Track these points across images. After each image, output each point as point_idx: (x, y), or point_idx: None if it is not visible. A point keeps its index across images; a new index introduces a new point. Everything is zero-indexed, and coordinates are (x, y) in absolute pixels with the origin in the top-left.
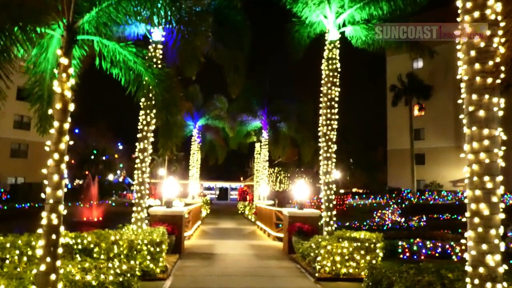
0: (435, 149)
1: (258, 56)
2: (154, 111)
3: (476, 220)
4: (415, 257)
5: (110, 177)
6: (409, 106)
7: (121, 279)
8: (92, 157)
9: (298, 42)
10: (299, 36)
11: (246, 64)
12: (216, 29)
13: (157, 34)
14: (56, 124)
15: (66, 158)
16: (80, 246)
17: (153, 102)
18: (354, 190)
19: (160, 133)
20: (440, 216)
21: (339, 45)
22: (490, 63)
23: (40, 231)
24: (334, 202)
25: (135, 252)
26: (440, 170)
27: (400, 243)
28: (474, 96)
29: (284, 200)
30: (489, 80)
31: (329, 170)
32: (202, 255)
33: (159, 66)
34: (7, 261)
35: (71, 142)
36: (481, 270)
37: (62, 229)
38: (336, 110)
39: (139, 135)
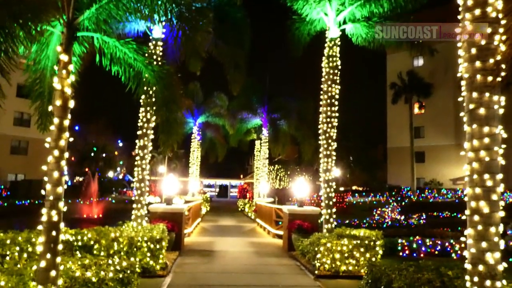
0: (435, 147)
1: (258, 54)
2: (154, 108)
3: (476, 218)
4: (414, 254)
5: (110, 174)
6: (409, 104)
7: (121, 275)
8: (92, 154)
9: (298, 40)
10: (299, 33)
11: (247, 61)
12: (216, 26)
13: (157, 31)
14: (56, 121)
15: (66, 155)
16: (80, 243)
17: (153, 99)
18: (354, 188)
19: (160, 131)
20: (440, 214)
21: (339, 43)
22: (491, 61)
23: (40, 227)
24: (334, 200)
25: (135, 249)
26: (440, 168)
27: (399, 240)
28: (475, 94)
29: (284, 197)
30: (490, 78)
31: (329, 167)
32: (202, 252)
33: (159, 63)
34: (8, 258)
35: (71, 139)
36: (481, 267)
37: (62, 225)
38: (336, 108)
39: (139, 132)
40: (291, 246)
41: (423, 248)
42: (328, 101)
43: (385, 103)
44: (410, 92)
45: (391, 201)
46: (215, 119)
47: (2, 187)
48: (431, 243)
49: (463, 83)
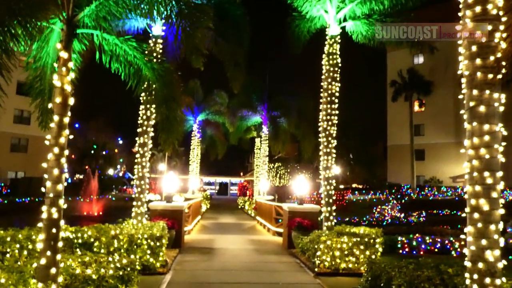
0: (435, 145)
1: (258, 52)
2: (154, 106)
3: (476, 215)
4: (414, 252)
5: (110, 171)
6: (409, 102)
7: (121, 273)
8: (92, 151)
9: (298, 37)
10: (299, 31)
11: (247, 59)
12: (216, 23)
13: (157, 28)
14: (56, 118)
15: (66, 152)
16: (80, 240)
17: (153, 97)
18: (354, 185)
19: (160, 129)
20: (440, 211)
21: (339, 40)
22: (491, 58)
23: (40, 225)
24: (334, 198)
25: (135, 247)
26: (440, 166)
27: (399, 238)
28: (475, 92)
29: (284, 195)
30: (490, 75)
31: (329, 165)
32: (202, 250)
33: (159, 60)
34: (8, 255)
35: (71, 137)
36: (480, 265)
37: (62, 223)
38: (336, 106)
39: (139, 130)
40: (291, 243)
41: (423, 246)
42: (328, 98)
43: (385, 101)
44: (410, 90)
45: (391, 199)
46: (215, 117)
47: (2, 184)
48: (431, 240)
49: (463, 80)
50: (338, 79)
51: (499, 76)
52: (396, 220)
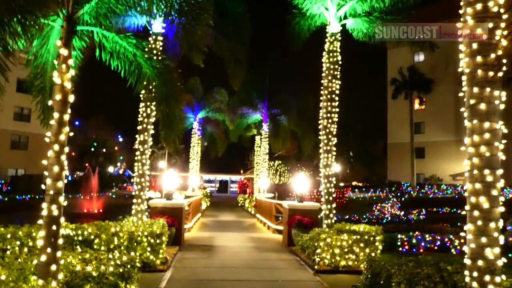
0: (435, 143)
1: (258, 49)
2: (154, 103)
3: (476, 213)
4: (414, 250)
5: (110, 169)
6: (410, 100)
7: (121, 270)
8: (92, 149)
9: (298, 35)
10: (299, 28)
11: (247, 56)
12: (216, 21)
13: (157, 25)
14: (56, 115)
15: (66, 149)
16: (80, 238)
17: (153, 94)
18: (354, 183)
19: (161, 126)
20: (440, 209)
21: (340, 38)
22: (492, 56)
23: (40, 222)
24: (334, 195)
25: (135, 244)
26: (440, 163)
27: (399, 236)
28: (476, 89)
29: (284, 193)
30: (491, 73)
31: (329, 163)
32: (202, 247)
33: (159, 58)
34: (8, 252)
35: (71, 134)
36: (480, 263)
37: (62, 220)
38: (336, 103)
39: (139, 127)
40: (291, 241)
41: (423, 244)
42: (329, 96)
43: (386, 99)
44: (411, 88)
45: (391, 196)
46: (215, 114)
47: (3, 182)
48: (430, 238)
49: (464, 78)
50: (338, 76)
51: (500, 74)
52: (396, 218)
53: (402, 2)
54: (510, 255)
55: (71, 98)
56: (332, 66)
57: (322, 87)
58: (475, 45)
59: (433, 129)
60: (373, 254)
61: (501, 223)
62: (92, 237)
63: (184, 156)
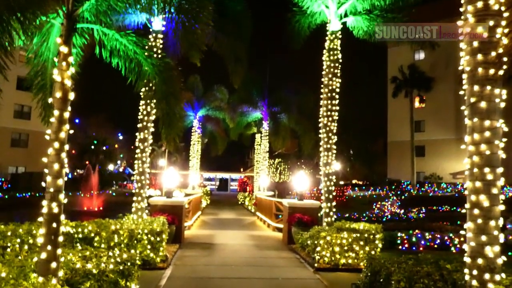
0: (435, 141)
1: (258, 47)
2: (154, 101)
3: (476, 211)
4: (414, 248)
5: (111, 167)
6: (410, 98)
7: (121, 267)
8: (93, 147)
9: (298, 33)
10: (300, 26)
11: (247, 54)
12: (216, 19)
13: (157, 23)
14: (56, 113)
15: (67, 147)
16: (80, 235)
17: (153, 92)
18: (354, 181)
19: (161, 124)
20: (439, 208)
21: (340, 36)
22: (493, 54)
23: (41, 219)
24: (334, 193)
25: (135, 242)
26: (440, 162)
27: (399, 234)
28: (476, 87)
29: (284, 191)
30: (491, 71)
31: (329, 161)
32: (202, 245)
33: (159, 55)
34: (9, 249)
35: (71, 132)
36: (480, 261)
37: (62, 217)
38: (337, 101)
39: (139, 125)
40: (291, 239)
41: (423, 242)
42: (329, 94)
43: (386, 97)
44: (411, 86)
45: (391, 195)
46: (215, 113)
47: (3, 179)
48: (430, 236)
49: (464, 76)
50: (338, 74)
51: (501, 72)
52: (396, 216)
53: (403, 1)
54: (510, 253)
55: (71, 95)
56: (332, 64)
57: (322, 85)
58: (475, 43)
59: (433, 128)
60: (373, 252)
61: (501, 222)
62: (92, 234)
63: (184, 154)
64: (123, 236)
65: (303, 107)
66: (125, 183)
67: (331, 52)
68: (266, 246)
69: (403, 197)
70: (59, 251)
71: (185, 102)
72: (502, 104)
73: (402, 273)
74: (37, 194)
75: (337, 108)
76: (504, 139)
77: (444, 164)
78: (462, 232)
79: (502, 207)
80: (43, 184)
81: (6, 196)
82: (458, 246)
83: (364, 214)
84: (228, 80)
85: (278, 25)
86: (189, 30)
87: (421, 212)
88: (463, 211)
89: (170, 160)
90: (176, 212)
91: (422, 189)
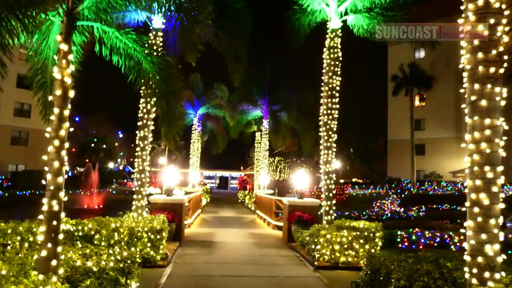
0: (435, 140)
1: (258, 46)
2: (154, 99)
3: (476, 209)
4: (413, 246)
5: (111, 165)
6: (410, 97)
7: (121, 265)
8: (93, 145)
9: (298, 31)
10: (300, 24)
11: (247, 52)
12: (216, 17)
13: (158, 21)
14: (56, 110)
15: (67, 145)
16: (81, 233)
17: (153, 90)
18: (354, 180)
19: (160, 123)
20: (439, 206)
21: (340, 34)
22: (493, 52)
23: (41, 217)
24: (334, 192)
25: (135, 239)
26: (440, 160)
27: (399, 232)
28: (476, 86)
29: (284, 189)
30: (492, 69)
31: (330, 159)
32: (202, 243)
33: (159, 54)
34: (9, 247)
35: (71, 129)
36: (480, 259)
37: (63, 215)
38: (337, 100)
39: (139, 123)
40: (291, 237)
41: (422, 240)
42: (329, 92)
43: (386, 95)
44: (411, 85)
45: (390, 193)
46: (215, 111)
47: (3, 177)
48: (430, 235)
49: (465, 74)
50: (339, 73)
51: (501, 70)
52: (396, 215)
53: None
54: (510, 252)
55: (71, 93)
56: (332, 63)
57: (322, 84)
58: (476, 41)
59: (433, 126)
60: (372, 251)
61: (501, 220)
62: (93, 232)
63: (184, 152)
64: (123, 234)
65: (303, 105)
66: (125, 181)
67: (332, 50)
68: (266, 244)
69: (403, 195)
70: (59, 249)
71: (185, 100)
72: (503, 103)
73: (402, 271)
74: (37, 192)
75: (337, 106)
76: (505, 138)
77: (444, 162)
78: (462, 230)
79: (502, 206)
80: (43, 182)
81: (6, 194)
82: (458, 244)
83: (364, 213)
84: (228, 78)
85: (278, 24)
86: (187, 29)
87: (421, 210)
88: (463, 209)
89: (170, 158)
90: (176, 210)
91: (422, 187)
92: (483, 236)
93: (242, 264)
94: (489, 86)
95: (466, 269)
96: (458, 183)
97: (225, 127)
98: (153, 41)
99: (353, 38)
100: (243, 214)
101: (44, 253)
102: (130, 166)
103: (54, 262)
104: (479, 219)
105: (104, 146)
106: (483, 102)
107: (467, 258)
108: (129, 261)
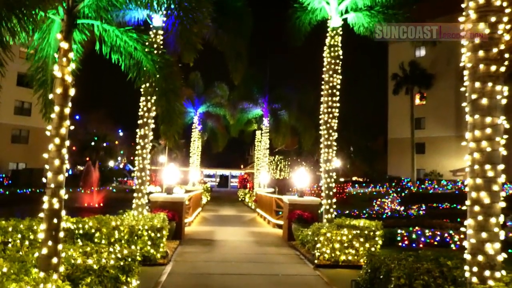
0: (435, 138)
1: (258, 44)
2: (154, 98)
3: (476, 208)
4: (413, 245)
5: (111, 163)
6: (411, 95)
7: (122, 263)
8: (93, 143)
9: (298, 29)
10: (300, 22)
11: (247, 51)
12: (217, 15)
13: (158, 19)
14: (56, 108)
15: (67, 143)
16: (81, 231)
17: (153, 89)
18: (354, 178)
19: (160, 121)
20: (439, 205)
21: (341, 32)
22: (494, 50)
23: (41, 215)
24: (334, 190)
25: (136, 238)
26: (440, 159)
27: (399, 231)
28: (477, 84)
29: (284, 188)
30: (493, 67)
31: (330, 158)
32: (202, 241)
33: (160, 52)
34: (10, 245)
35: (72, 127)
36: (480, 258)
37: (63, 213)
38: (337, 98)
39: (139, 122)
40: (291, 236)
41: (422, 239)
42: (330, 91)
43: (386, 94)
44: (412, 83)
45: (391, 192)
46: (216, 109)
47: (4, 175)
48: (430, 233)
49: (465, 73)
50: (339, 71)
51: (502, 69)
52: (396, 213)
53: None
54: (510, 250)
55: (72, 91)
56: (333, 61)
57: (323, 82)
58: (477, 39)
59: (433, 125)
60: (373, 249)
61: (501, 219)
62: (93, 230)
63: (184, 150)
64: (124, 232)
65: (303, 104)
66: (125, 179)
67: (332, 49)
68: (266, 242)
69: (403, 194)
70: (60, 246)
71: (186, 98)
72: (504, 101)
73: (402, 270)
74: (38, 190)
75: (338, 105)
76: (505, 136)
77: (444, 161)
78: (462, 229)
79: (502, 204)
80: (43, 180)
81: (7, 192)
82: (458, 243)
83: (364, 211)
84: (229, 77)
85: (278, 24)
86: (186, 29)
87: (421, 209)
88: (463, 208)
89: (170, 157)
90: (177, 208)
91: (422, 186)
92: (484, 235)
93: (242, 262)
94: (490, 84)
95: (466, 267)
96: (458, 182)
97: (225, 126)
98: (154, 40)
99: (353, 36)
100: (243, 213)
101: (44, 251)
102: (131, 164)
103: (54, 260)
104: (480, 217)
105: (105, 144)
106: (484, 101)
107: (467, 256)
108: (129, 259)
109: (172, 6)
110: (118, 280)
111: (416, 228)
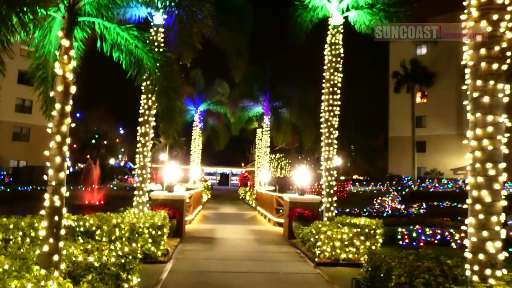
0: (436, 137)
1: (259, 42)
2: (154, 96)
3: (478, 206)
4: (414, 243)
5: (112, 161)
6: (411, 93)
7: (122, 261)
8: (94, 141)
9: (300, 27)
10: (301, 20)
11: (248, 48)
12: (217, 13)
13: (159, 17)
14: (57, 106)
15: (68, 140)
16: (82, 229)
17: (154, 87)
18: (354, 176)
19: (160, 119)
20: (440, 203)
21: (342, 30)
22: (496, 48)
23: (42, 213)
24: (335, 189)
25: (136, 235)
26: (441, 157)
27: (399, 229)
28: (479, 82)
29: (285, 186)
30: (495, 65)
31: (331, 156)
32: (203, 239)
33: (161, 50)
34: (11, 242)
35: (73, 125)
36: (481, 256)
37: (64, 211)
38: (338, 96)
39: (140, 119)
40: (292, 234)
41: (423, 237)
42: (330, 89)
43: (387, 92)
44: (413, 81)
45: (391, 190)
46: (216, 107)
47: (5, 173)
48: (431, 232)
49: (467, 71)
50: (340, 69)
51: (504, 67)
52: (397, 212)
53: None
54: (511, 249)
55: (73, 89)
56: (334, 59)
57: (324, 80)
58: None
59: (434, 123)
60: (373, 247)
61: (502, 217)
62: (94, 228)
63: (185, 148)
64: (125, 230)
65: (304, 102)
66: (126, 177)
67: (333, 47)
68: (267, 240)
69: (403, 192)
70: (61, 244)
71: (186, 96)
72: (505, 99)
73: (402, 268)
74: (39, 188)
75: (339, 103)
76: (507, 134)
77: (445, 159)
78: (463, 227)
79: (503, 203)
80: (44, 177)
81: (8, 190)
82: (458, 241)
83: (365, 209)
84: (229, 74)
85: (279, 23)
86: (185, 28)
87: (422, 207)
88: (464, 206)
89: (171, 155)
90: (177, 206)
91: (423, 184)
92: (485, 233)
93: (243, 260)
94: (491, 82)
95: (467, 266)
96: (459, 180)
97: (226, 124)
98: (154, 38)
99: (354, 34)
100: (244, 211)
101: (46, 248)
102: (131, 162)
103: (56, 257)
104: (481, 216)
105: (105, 142)
106: (486, 99)
107: (468, 255)
108: (130, 257)
109: (173, 4)
110: (119, 278)
111: (417, 226)
